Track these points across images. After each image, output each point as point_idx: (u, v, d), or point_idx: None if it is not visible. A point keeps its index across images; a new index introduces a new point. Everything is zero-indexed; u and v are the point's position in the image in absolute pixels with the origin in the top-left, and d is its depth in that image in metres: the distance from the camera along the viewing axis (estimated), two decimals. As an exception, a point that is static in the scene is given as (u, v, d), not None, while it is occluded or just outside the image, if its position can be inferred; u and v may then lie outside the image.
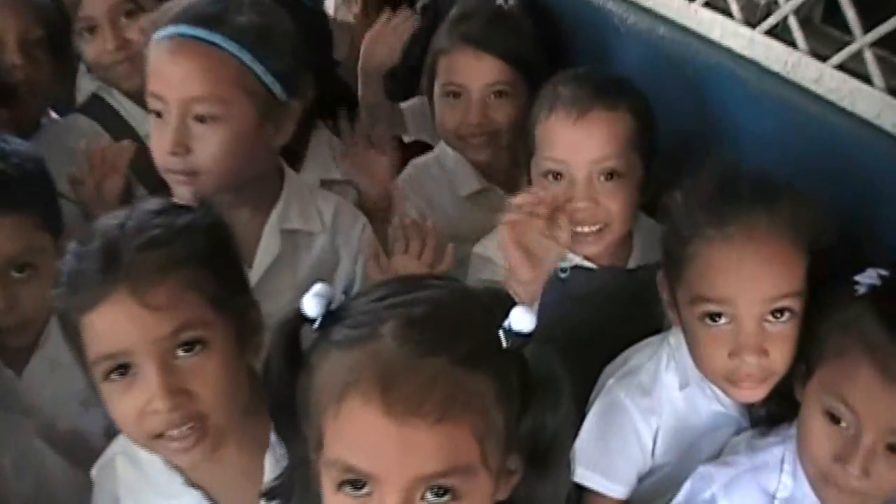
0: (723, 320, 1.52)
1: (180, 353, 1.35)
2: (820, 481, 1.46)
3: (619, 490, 1.69)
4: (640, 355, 1.72)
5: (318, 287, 1.18)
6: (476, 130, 2.13)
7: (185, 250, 1.38)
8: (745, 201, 1.50)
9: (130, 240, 1.36)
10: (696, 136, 1.87)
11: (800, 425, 1.50)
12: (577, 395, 1.20)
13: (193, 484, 1.46)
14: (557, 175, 1.80)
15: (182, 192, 1.72)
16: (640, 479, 1.71)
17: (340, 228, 1.90)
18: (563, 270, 1.83)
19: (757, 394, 1.56)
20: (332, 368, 1.13)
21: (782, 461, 1.54)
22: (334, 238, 1.89)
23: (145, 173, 1.86)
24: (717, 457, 1.65)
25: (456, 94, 2.15)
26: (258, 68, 1.71)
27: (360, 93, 2.39)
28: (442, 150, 2.25)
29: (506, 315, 1.15)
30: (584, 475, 1.65)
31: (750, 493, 1.55)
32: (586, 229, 1.79)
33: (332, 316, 1.17)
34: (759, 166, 1.58)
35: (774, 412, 1.60)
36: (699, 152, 1.73)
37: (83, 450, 1.70)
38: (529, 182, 1.86)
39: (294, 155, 2.08)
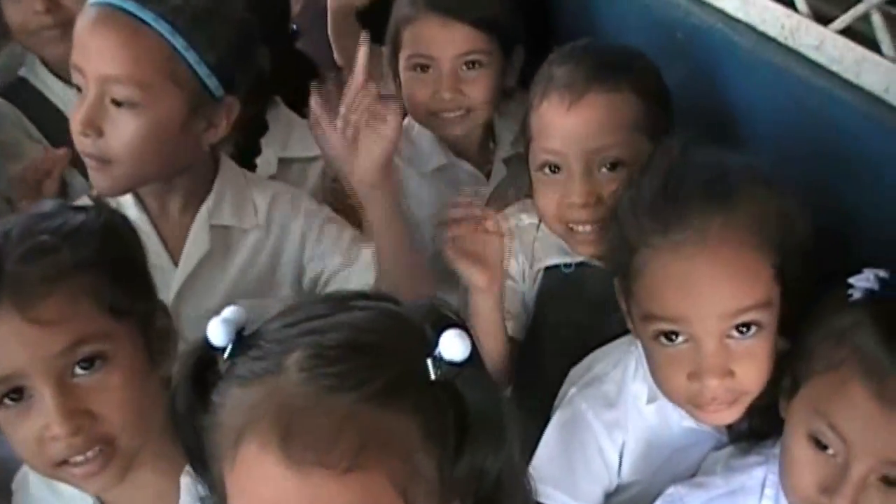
0: (679, 339, 1.35)
1: (78, 370, 1.24)
2: None
3: None
4: (604, 362, 1.57)
5: (228, 311, 1.06)
6: (450, 105, 1.98)
7: (75, 257, 1.26)
8: (694, 202, 1.32)
9: (13, 249, 1.25)
10: (682, 109, 1.70)
11: (783, 448, 1.34)
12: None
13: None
14: (555, 168, 1.63)
15: (96, 180, 1.61)
16: (608, 497, 1.56)
17: (277, 222, 1.75)
18: (567, 266, 1.72)
19: (727, 416, 1.40)
20: (231, 408, 1.01)
21: (763, 485, 1.40)
22: (270, 234, 1.75)
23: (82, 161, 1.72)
24: (693, 475, 1.50)
25: (424, 67, 1.98)
26: (191, 57, 1.58)
27: (333, 40, 2.26)
28: (407, 121, 2.06)
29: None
30: (545, 493, 1.51)
31: None
32: (588, 228, 1.63)
33: (242, 343, 1.04)
34: (734, 149, 1.42)
35: (757, 427, 1.44)
36: (686, 127, 1.60)
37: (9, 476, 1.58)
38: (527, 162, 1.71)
39: (257, 132, 1.97)
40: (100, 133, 1.57)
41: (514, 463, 1.05)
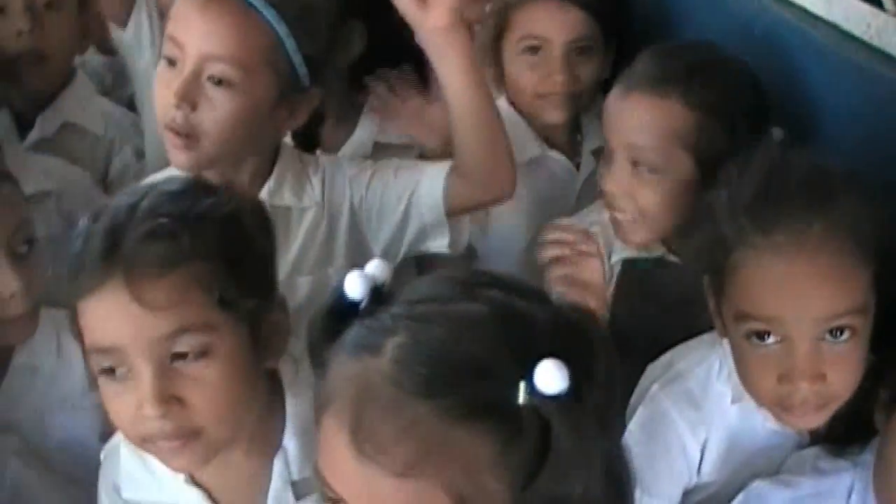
0: (771, 339, 1.34)
1: (179, 357, 1.24)
2: None
3: None
4: (687, 359, 1.55)
5: (370, 265, 1.05)
6: (559, 89, 1.99)
7: (194, 245, 1.25)
8: (796, 203, 1.31)
9: (136, 226, 1.25)
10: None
11: (883, 461, 1.32)
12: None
13: (196, 482, 1.37)
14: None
15: (176, 157, 1.61)
16: (684, 496, 1.55)
17: (330, 196, 1.75)
18: (645, 261, 1.72)
19: (813, 421, 1.39)
20: (333, 371, 1.00)
21: (850, 491, 1.38)
22: (325, 210, 1.75)
23: None
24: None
25: (534, 49, 2.00)
26: (290, 45, 1.60)
27: None
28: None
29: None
30: None
31: None
32: (625, 216, 1.68)
33: (378, 299, 1.03)
34: (822, 153, 1.41)
35: (838, 433, 1.42)
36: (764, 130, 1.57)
37: (79, 459, 1.61)
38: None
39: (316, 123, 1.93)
40: (193, 107, 1.57)
41: (594, 497, 0.98)
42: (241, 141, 1.62)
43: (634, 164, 1.64)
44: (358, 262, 1.65)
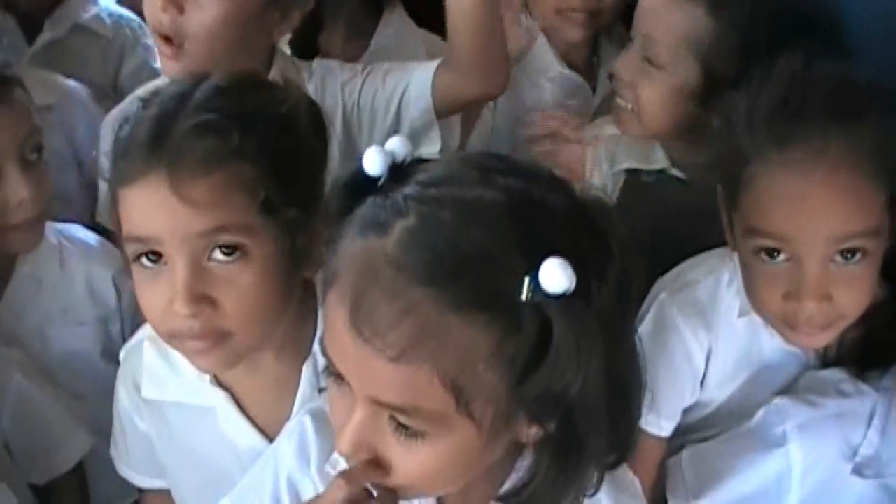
0: (781, 257, 1.31)
1: (216, 255, 1.21)
2: None
3: (664, 426, 1.51)
4: (697, 269, 1.52)
5: (390, 141, 1.02)
6: (579, 5, 1.97)
7: (242, 144, 1.21)
8: (816, 118, 1.27)
9: (186, 118, 1.21)
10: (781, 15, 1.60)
11: None
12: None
13: (221, 384, 1.35)
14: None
15: (167, 67, 1.59)
16: (683, 413, 1.53)
17: (326, 102, 1.69)
18: (648, 174, 1.73)
19: (819, 340, 1.37)
20: (341, 247, 0.99)
21: (872, 414, 1.38)
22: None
23: None
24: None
25: None
26: None
27: None
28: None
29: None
30: None
31: (829, 440, 1.39)
32: (625, 105, 1.71)
33: (397, 177, 1.00)
34: (849, 67, 1.34)
35: (849, 357, 1.42)
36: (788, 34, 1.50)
37: (80, 373, 1.64)
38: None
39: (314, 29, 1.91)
40: (181, 10, 1.54)
41: (593, 396, 0.96)
42: (231, 44, 1.57)
43: (646, 57, 1.64)
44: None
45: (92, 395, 1.58)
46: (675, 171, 1.71)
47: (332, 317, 0.97)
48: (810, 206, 1.27)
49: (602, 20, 2.00)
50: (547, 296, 0.90)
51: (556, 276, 0.90)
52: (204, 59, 1.55)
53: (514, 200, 0.95)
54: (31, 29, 2.07)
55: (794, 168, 1.27)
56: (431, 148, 1.68)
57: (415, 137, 1.67)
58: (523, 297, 0.91)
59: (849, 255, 1.29)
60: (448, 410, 0.94)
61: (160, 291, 1.23)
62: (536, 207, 0.96)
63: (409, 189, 0.97)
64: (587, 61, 2.08)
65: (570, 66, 2.06)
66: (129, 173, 1.22)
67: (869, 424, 1.37)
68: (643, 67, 1.65)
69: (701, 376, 1.50)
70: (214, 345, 1.25)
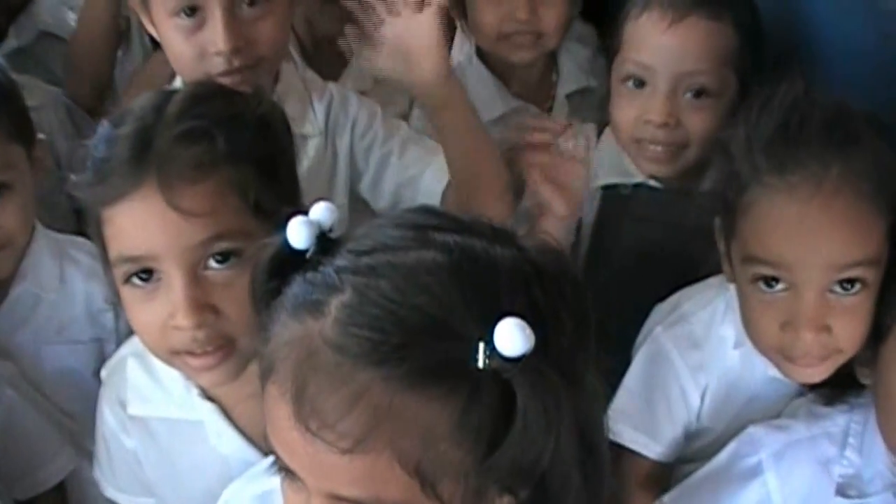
0: (779, 286, 1.30)
1: (212, 263, 1.20)
2: None
3: (657, 450, 1.51)
4: (693, 301, 1.51)
5: (314, 209, 0.96)
6: (523, 27, 1.88)
7: (229, 147, 1.20)
8: (815, 144, 1.26)
9: (167, 129, 1.21)
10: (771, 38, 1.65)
11: (883, 395, 1.30)
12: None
13: (209, 396, 1.34)
14: (640, 82, 1.64)
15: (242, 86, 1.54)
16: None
17: (332, 127, 1.69)
18: (625, 187, 1.71)
19: (816, 373, 1.34)
20: (275, 333, 0.92)
21: (846, 433, 1.36)
22: (328, 140, 1.70)
23: None
24: (770, 422, 1.46)
25: None
26: None
27: None
28: (464, 65, 1.98)
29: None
30: (623, 433, 1.48)
31: (805, 465, 1.37)
32: (659, 148, 1.64)
33: (325, 248, 0.94)
34: (840, 91, 1.35)
35: (837, 382, 1.39)
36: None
37: (72, 391, 1.61)
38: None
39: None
40: (249, 42, 1.50)
41: (566, 456, 0.89)
42: (286, 42, 1.61)
43: (675, 92, 1.61)
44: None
45: (82, 413, 1.57)
46: (653, 182, 1.70)
47: (275, 412, 0.89)
48: (809, 233, 1.26)
49: (549, 41, 1.92)
50: (505, 360, 0.83)
51: (513, 338, 0.82)
52: (275, 64, 1.60)
53: (457, 259, 0.88)
54: None
55: (793, 194, 1.26)
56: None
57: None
58: (480, 364, 0.84)
59: (848, 286, 1.27)
60: (414, 497, 0.86)
61: (157, 308, 1.21)
62: (481, 263, 0.89)
63: (341, 261, 0.90)
64: (543, 81, 2.02)
65: (525, 88, 1.99)
66: (115, 190, 1.20)
67: (844, 444, 1.35)
68: (686, 104, 1.61)
69: (697, 410, 1.49)
70: (222, 358, 1.23)
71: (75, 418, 1.60)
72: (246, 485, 1.21)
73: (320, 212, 0.95)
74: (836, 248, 1.26)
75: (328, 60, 1.80)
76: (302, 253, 0.93)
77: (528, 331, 0.82)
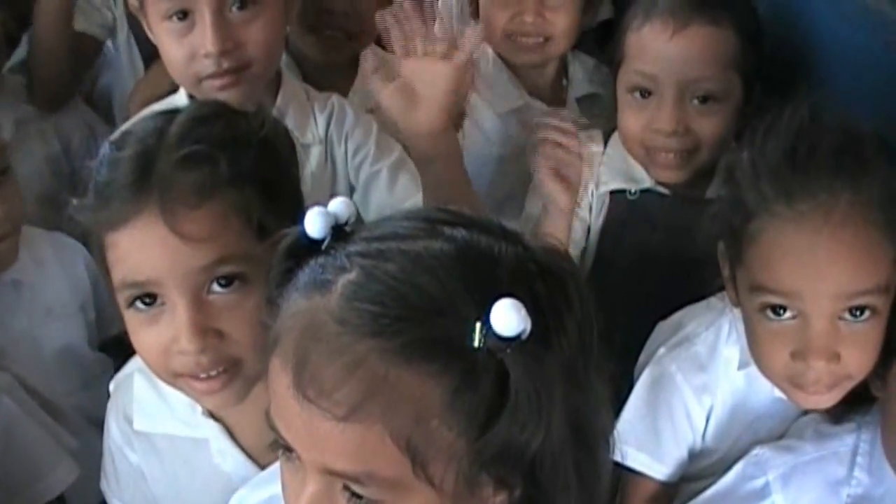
0: (787, 314, 1.28)
1: (215, 287, 1.20)
2: None
3: (662, 471, 1.49)
4: (697, 322, 1.50)
5: (332, 203, 0.99)
6: (530, 29, 1.92)
7: (231, 170, 1.19)
8: (824, 171, 1.24)
9: (169, 152, 1.19)
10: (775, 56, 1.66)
11: (889, 417, 1.29)
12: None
13: (213, 415, 1.34)
14: (646, 92, 1.67)
15: (233, 96, 1.52)
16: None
17: (334, 136, 1.70)
18: (633, 193, 1.72)
19: (825, 400, 1.33)
20: (284, 309, 0.95)
21: (855, 453, 1.34)
22: (329, 149, 1.70)
23: None
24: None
25: None
26: None
27: None
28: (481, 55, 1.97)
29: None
30: (628, 453, 1.45)
31: (813, 487, 1.35)
32: (670, 155, 1.66)
33: (340, 238, 0.97)
34: (843, 101, 1.37)
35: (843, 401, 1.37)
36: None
37: (76, 368, 1.67)
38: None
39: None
40: (237, 44, 1.52)
41: (557, 449, 0.92)
42: (279, 51, 1.63)
43: (682, 99, 1.63)
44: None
45: (85, 389, 1.62)
46: (660, 188, 1.71)
47: (276, 382, 0.92)
48: (819, 262, 1.23)
49: (557, 46, 1.94)
50: (501, 339, 0.85)
51: (508, 317, 0.85)
52: (265, 72, 1.60)
53: (463, 249, 0.92)
54: (11, 41, 2.05)
55: (801, 222, 1.23)
56: None
57: None
58: (476, 343, 0.86)
59: (857, 313, 1.25)
60: (404, 475, 0.88)
61: (161, 332, 1.21)
62: (486, 255, 0.92)
63: (353, 246, 0.94)
64: (555, 85, 2.03)
65: (535, 92, 2.00)
66: (116, 216, 1.19)
67: (853, 464, 1.34)
68: (693, 110, 1.63)
69: (702, 431, 1.48)
70: (227, 381, 1.22)
71: (69, 423, 1.63)
72: (252, 491, 1.21)
73: (337, 205, 0.98)
74: (846, 277, 1.24)
75: (322, 88, 1.79)
76: (318, 242, 0.96)
77: (524, 312, 0.85)
